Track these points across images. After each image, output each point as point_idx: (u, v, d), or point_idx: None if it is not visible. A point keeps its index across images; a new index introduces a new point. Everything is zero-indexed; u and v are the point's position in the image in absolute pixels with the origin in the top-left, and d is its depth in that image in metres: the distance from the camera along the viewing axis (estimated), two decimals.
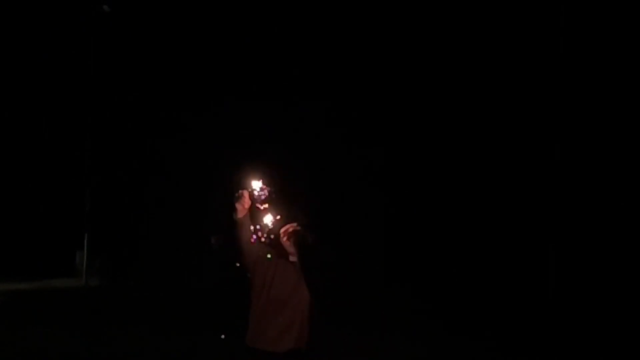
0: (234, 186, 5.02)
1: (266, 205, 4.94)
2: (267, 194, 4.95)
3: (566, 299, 15.62)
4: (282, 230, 4.91)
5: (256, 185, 4.99)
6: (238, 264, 5.09)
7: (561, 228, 16.69)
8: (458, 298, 16.07)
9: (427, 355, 10.38)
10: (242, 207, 4.93)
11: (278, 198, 5.01)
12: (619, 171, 17.38)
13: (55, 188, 21.80)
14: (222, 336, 9.11)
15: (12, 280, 17.81)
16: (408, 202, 19.87)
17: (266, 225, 4.92)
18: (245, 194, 4.94)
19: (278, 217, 4.93)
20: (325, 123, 19.52)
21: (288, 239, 4.86)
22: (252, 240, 4.92)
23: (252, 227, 4.92)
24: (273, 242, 4.87)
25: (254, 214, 4.98)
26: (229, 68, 21.17)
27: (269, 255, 4.86)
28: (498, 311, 14.58)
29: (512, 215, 18.40)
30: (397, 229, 19.40)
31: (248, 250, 4.90)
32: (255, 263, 4.86)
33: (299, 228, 4.91)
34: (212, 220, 14.73)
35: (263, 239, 4.90)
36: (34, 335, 11.08)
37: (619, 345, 11.28)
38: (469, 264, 18.21)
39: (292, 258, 4.86)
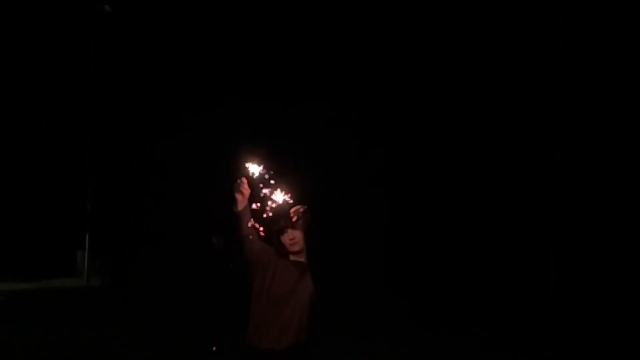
0: (232, 175, 4.78)
1: (266, 188, 4.73)
2: (268, 176, 4.73)
3: (566, 298, 15.63)
4: (293, 210, 4.76)
5: (255, 169, 4.79)
6: (232, 265, 5.00)
7: (561, 228, 16.70)
8: (458, 298, 16.08)
9: (427, 355, 10.40)
10: (242, 196, 4.71)
11: (280, 180, 4.81)
12: (618, 171, 17.40)
13: (56, 188, 21.83)
14: (214, 348, 9.16)
15: (13, 280, 17.84)
16: (408, 203, 19.88)
17: (275, 216, 4.71)
18: (244, 180, 4.72)
19: (290, 199, 4.73)
20: (325, 123, 19.53)
21: (297, 220, 4.72)
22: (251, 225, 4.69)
23: (252, 221, 4.73)
24: (274, 240, 4.80)
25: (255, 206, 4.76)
26: (229, 68, 21.19)
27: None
28: (498, 311, 14.58)
29: (512, 215, 18.41)
30: (397, 229, 19.41)
31: (249, 245, 4.73)
32: (256, 259, 4.71)
33: (308, 210, 4.77)
34: (213, 220, 14.71)
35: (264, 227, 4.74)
36: (34, 335, 11.09)
37: (619, 345, 11.30)
38: (469, 264, 18.22)
39: (295, 257, 4.75)
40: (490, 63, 19.16)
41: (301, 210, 4.76)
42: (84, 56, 20.16)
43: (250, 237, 4.73)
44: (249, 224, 4.74)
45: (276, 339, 4.62)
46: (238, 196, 4.71)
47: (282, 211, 4.77)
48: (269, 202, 4.79)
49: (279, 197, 4.77)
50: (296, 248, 4.75)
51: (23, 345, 10.31)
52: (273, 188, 4.79)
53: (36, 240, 20.83)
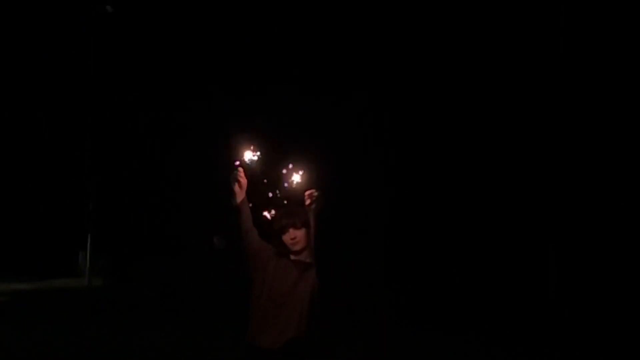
0: (229, 168, 4.58)
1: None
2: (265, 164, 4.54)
3: (567, 299, 15.63)
4: (307, 193, 4.61)
5: (250, 155, 4.62)
6: (231, 267, 4.94)
7: (561, 228, 16.70)
8: (458, 298, 16.09)
9: (426, 355, 10.41)
10: (239, 188, 4.54)
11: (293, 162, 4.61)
12: (618, 171, 17.40)
13: (57, 188, 21.86)
14: None
15: (15, 280, 17.85)
16: (407, 202, 19.88)
17: (291, 186, 4.52)
18: (240, 170, 4.55)
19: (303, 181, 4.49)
20: (325, 123, 19.54)
21: (311, 204, 4.58)
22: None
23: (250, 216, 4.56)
24: (275, 240, 4.75)
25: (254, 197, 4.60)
26: (229, 68, 21.21)
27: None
28: (498, 312, 14.59)
29: (512, 215, 18.41)
30: (396, 228, 19.42)
31: (249, 242, 4.61)
32: (255, 257, 4.62)
33: (322, 195, 4.59)
34: (214, 220, 14.75)
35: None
36: (36, 335, 11.09)
37: (619, 345, 11.31)
38: (469, 263, 18.23)
39: (296, 257, 4.66)
40: (491, 63, 19.17)
41: (315, 194, 4.62)
42: (84, 56, 20.18)
43: (250, 234, 4.62)
44: (249, 214, 4.58)
45: (276, 337, 4.57)
46: (236, 187, 4.55)
47: (300, 188, 4.59)
48: (291, 180, 4.61)
49: (296, 177, 4.60)
50: (297, 247, 4.64)
51: (24, 345, 10.32)
52: (288, 172, 4.61)
53: (38, 241, 20.85)
